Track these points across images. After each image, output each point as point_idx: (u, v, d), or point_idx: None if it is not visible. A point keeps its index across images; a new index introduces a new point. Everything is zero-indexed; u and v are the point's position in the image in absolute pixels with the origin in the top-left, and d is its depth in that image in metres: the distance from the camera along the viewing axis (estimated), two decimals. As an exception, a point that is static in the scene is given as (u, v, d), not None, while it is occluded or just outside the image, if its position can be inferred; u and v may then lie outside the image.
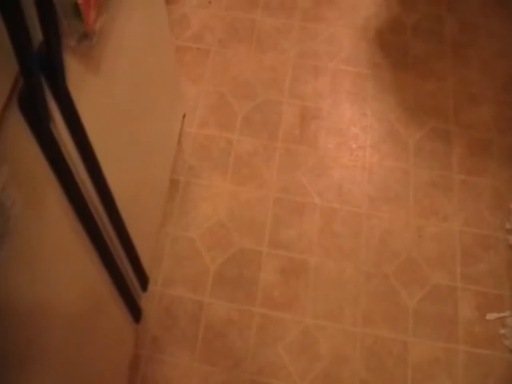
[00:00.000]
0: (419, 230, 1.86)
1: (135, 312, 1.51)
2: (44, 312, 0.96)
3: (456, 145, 2.02)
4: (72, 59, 0.90)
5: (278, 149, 2.02)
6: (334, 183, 1.95)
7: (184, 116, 2.02)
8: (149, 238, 1.66)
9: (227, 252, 1.83)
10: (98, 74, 1.06)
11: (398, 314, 1.73)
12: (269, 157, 2.01)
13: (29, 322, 0.90)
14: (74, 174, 0.96)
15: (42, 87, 0.81)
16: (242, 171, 1.98)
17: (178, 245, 1.84)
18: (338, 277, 1.79)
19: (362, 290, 1.77)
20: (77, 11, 0.87)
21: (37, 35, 0.78)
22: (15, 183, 0.77)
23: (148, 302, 1.71)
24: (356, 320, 1.73)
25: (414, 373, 1.65)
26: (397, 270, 1.79)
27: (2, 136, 0.73)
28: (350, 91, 2.17)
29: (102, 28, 1.04)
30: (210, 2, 2.36)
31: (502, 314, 1.73)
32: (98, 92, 1.06)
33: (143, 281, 1.56)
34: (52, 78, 0.84)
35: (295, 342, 1.70)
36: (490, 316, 1.72)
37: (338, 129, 2.08)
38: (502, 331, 1.70)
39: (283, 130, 2.07)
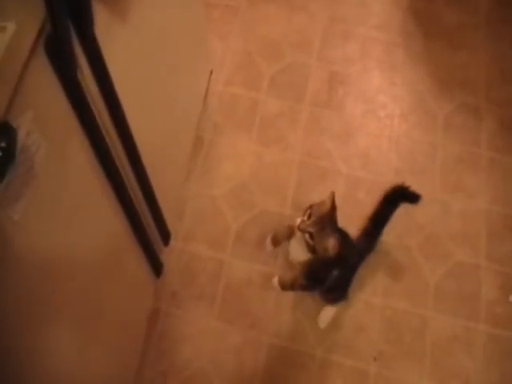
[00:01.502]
0: (444, 205, 1.82)
1: (156, 266, 1.50)
2: (64, 260, 0.94)
3: (486, 121, 1.97)
4: (99, 7, 0.87)
5: (304, 112, 1.98)
6: (360, 151, 1.91)
7: (211, 73, 1.97)
8: (171, 193, 1.64)
9: (249, 212, 1.80)
10: (126, 24, 1.03)
11: (419, 287, 1.71)
12: (294, 119, 1.96)
13: (49, 270, 0.89)
14: (98, 122, 0.94)
15: (70, 33, 0.79)
16: (266, 132, 1.93)
17: (200, 202, 1.81)
18: (360, 246, 1.75)
19: (383, 261, 1.74)
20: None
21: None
22: (40, 129, 0.75)
23: (168, 257, 1.68)
24: (376, 291, 1.70)
25: (432, 347, 1.64)
26: (420, 244, 1.76)
27: (27, 81, 0.71)
28: (379, 58, 2.11)
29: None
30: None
31: (525, 297, 1.70)
32: (124, 42, 1.03)
33: (165, 235, 1.53)
34: (79, 25, 0.81)
35: (313, 308, 1.67)
36: None
37: (365, 96, 2.03)
38: (525, 314, 1.68)
39: (310, 93, 2.02)
